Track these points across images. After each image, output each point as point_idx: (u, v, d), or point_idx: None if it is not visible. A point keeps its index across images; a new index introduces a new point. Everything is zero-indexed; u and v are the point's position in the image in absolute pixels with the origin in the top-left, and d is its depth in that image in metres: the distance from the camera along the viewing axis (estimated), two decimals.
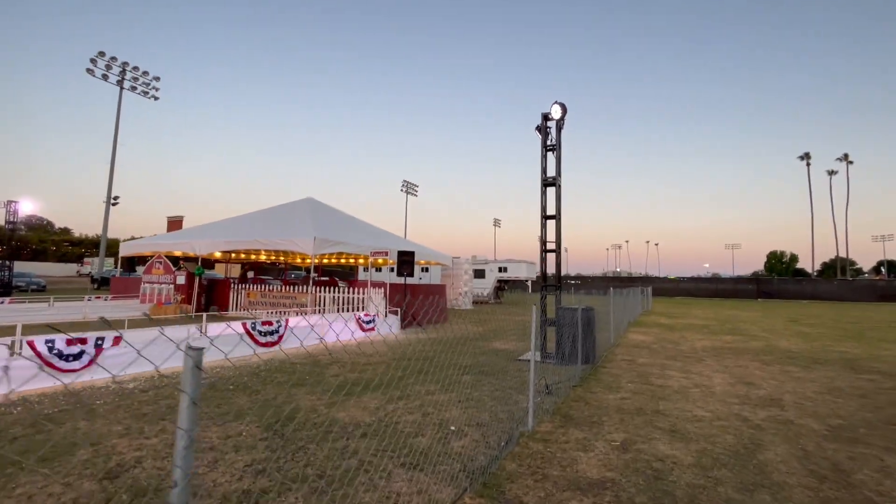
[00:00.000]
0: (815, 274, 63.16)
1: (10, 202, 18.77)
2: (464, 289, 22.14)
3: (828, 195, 59.30)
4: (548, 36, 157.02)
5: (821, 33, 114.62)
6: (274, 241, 12.99)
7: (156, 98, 42.18)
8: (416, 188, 66.05)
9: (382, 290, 12.31)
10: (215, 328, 8.03)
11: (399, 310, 12.11)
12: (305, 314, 12.06)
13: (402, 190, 63.98)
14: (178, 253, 16.07)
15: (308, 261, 22.50)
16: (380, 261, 13.26)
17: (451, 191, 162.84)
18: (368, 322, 9.87)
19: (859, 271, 73.67)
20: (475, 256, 29.67)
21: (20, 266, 44.46)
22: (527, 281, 27.75)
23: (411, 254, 11.88)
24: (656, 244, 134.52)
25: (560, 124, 7.93)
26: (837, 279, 49.81)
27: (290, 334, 8.08)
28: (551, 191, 8.00)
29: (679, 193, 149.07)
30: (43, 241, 60.49)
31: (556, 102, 7.67)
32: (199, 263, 15.00)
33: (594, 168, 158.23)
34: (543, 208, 7.93)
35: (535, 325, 4.11)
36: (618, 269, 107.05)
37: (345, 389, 5.20)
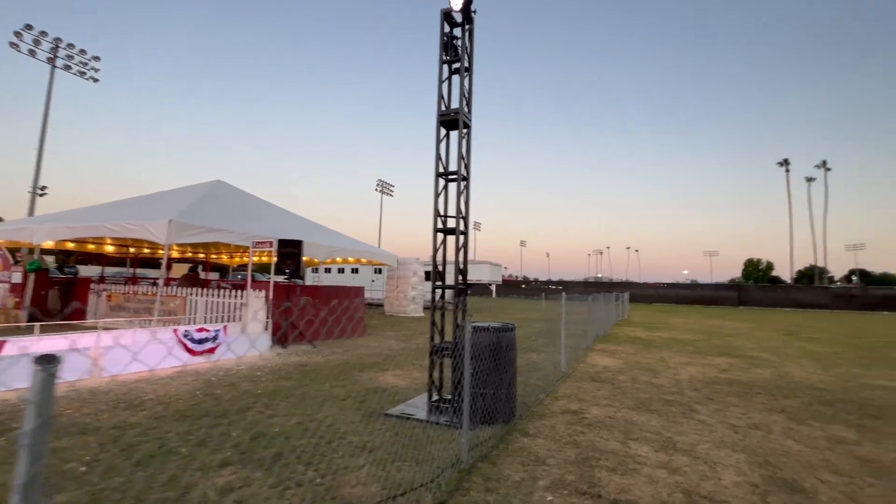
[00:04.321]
0: (792, 281, 62.19)
1: None
2: (412, 293, 18.96)
3: (805, 203, 58.27)
4: (539, 37, 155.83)
5: (801, 41, 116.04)
6: (123, 225, 9.65)
7: (95, 80, 37.83)
8: (391, 188, 62.55)
9: (263, 293, 9.07)
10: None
11: (284, 321, 8.89)
12: (173, 323, 8.76)
13: (376, 190, 60.39)
14: (48, 244, 12.47)
15: (245, 258, 18.98)
16: (265, 256, 10.08)
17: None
18: (202, 341, 6.61)
19: (831, 279, 73.26)
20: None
21: None
22: (490, 284, 24.79)
23: (297, 244, 8.68)
24: (636, 251, 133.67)
25: (467, 24, 4.89)
26: (817, 287, 48.40)
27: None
28: (455, 136, 4.94)
29: (659, 201, 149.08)
30: None
31: None
32: (36, 255, 11.48)
33: (577, 172, 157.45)
34: (439, 158, 4.84)
35: None
36: (599, 275, 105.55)
37: None
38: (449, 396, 4.60)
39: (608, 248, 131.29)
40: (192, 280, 12.42)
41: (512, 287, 55.54)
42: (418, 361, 7.45)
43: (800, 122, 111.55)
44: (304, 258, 12.97)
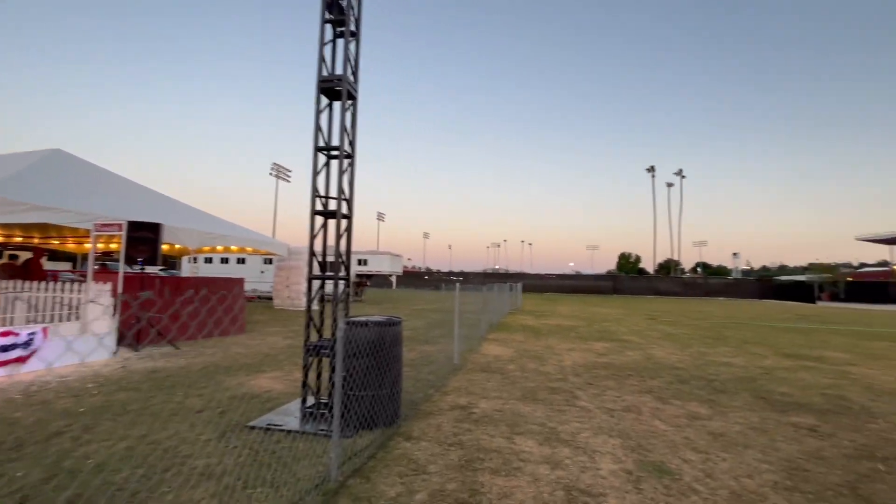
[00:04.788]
0: (654, 272, 72.00)
1: None
2: (305, 285, 17.70)
3: (666, 204, 67.64)
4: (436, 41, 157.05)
5: (663, 63, 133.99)
6: None
7: None
8: (288, 173, 57.93)
9: (109, 285, 7.51)
10: None
11: (137, 319, 7.47)
12: None
13: (271, 174, 55.32)
14: None
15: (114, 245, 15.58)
16: (112, 242, 8.38)
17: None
18: (6, 348, 5.14)
19: (682, 271, 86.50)
20: (331, 246, 25.23)
21: None
22: (391, 275, 24.35)
23: (153, 228, 7.32)
24: (530, 244, 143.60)
25: None
26: (672, 277, 56.69)
27: None
28: (338, 107, 4.37)
29: (550, 199, 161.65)
30: None
31: None
32: None
33: (478, 168, 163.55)
34: (318, 130, 4.24)
35: None
36: (496, 267, 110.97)
37: None
38: (326, 400, 4.10)
39: (505, 241, 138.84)
40: (11, 270, 9.95)
41: (414, 278, 55.74)
42: (302, 360, 6.75)
43: (666, 132, 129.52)
44: (177, 246, 11.23)
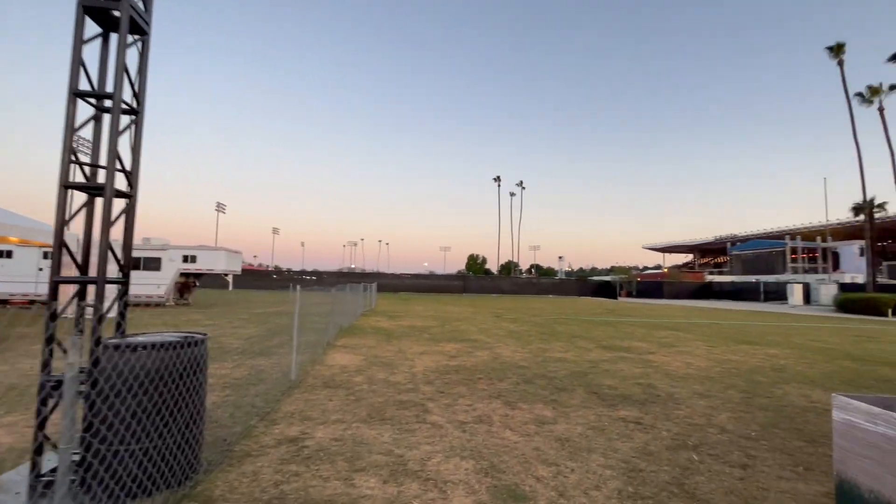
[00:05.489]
0: (497, 273, 79.31)
1: None
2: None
3: (509, 211, 75.01)
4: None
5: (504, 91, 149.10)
6: None
7: None
8: (87, 146, 46.01)
9: None
10: None
11: None
12: None
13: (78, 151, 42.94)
14: None
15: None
16: None
17: (176, 167, 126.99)
18: None
19: (520, 272, 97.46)
20: (149, 239, 20.81)
21: None
22: (227, 275, 21.16)
23: None
24: (387, 244, 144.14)
25: None
26: (512, 277, 63.11)
27: None
28: (115, 41, 3.10)
29: (406, 200, 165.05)
30: None
31: None
32: None
33: (332, 165, 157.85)
34: (80, 65, 2.93)
35: None
36: (353, 266, 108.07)
37: None
38: (77, 458, 2.81)
39: (362, 239, 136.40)
40: None
41: (260, 277, 50.42)
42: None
43: (509, 145, 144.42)
44: None
